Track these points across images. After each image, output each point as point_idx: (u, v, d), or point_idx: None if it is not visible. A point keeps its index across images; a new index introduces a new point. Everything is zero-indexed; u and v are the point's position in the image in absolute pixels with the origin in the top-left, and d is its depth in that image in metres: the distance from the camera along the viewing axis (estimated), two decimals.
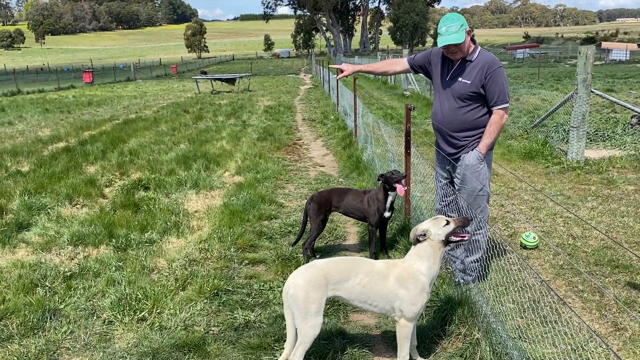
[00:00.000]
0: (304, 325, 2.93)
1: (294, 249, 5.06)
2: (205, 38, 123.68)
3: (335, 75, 4.48)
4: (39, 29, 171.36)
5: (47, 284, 4.42)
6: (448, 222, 3.03)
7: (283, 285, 4.30)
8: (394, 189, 4.64)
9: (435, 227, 3.02)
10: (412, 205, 5.40)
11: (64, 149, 10.58)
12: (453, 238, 3.05)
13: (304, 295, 2.91)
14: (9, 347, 3.54)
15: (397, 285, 3.00)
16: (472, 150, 3.96)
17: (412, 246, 3.11)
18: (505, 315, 3.61)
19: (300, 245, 4.99)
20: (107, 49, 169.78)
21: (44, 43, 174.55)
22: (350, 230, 5.76)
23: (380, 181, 4.73)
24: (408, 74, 21.65)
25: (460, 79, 3.89)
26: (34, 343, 3.57)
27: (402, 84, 22.27)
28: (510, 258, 4.69)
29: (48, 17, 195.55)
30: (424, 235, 3.02)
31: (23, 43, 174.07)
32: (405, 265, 3.04)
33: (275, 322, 3.76)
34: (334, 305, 3.92)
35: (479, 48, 3.90)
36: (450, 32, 3.69)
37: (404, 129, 5.18)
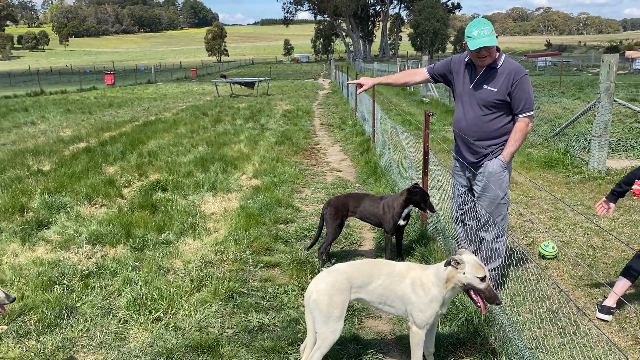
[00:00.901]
0: (325, 329, 2.91)
1: (309, 253, 5.05)
2: (225, 42, 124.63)
3: (355, 91, 4.46)
4: (63, 31, 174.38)
5: (65, 281, 4.48)
6: (484, 280, 2.81)
7: (298, 289, 4.33)
8: (426, 209, 4.67)
9: (472, 270, 2.81)
10: (430, 213, 5.35)
11: (85, 149, 10.73)
12: (472, 295, 2.86)
13: (328, 300, 2.90)
14: (26, 343, 3.59)
15: (410, 289, 2.98)
16: (496, 157, 3.93)
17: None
18: (522, 325, 3.56)
19: (315, 249, 4.98)
20: (128, 52, 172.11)
21: (67, 45, 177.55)
22: (367, 235, 5.74)
23: (410, 191, 4.64)
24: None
25: (485, 86, 3.85)
26: (51, 340, 3.62)
27: (421, 90, 22.19)
28: (529, 267, 4.62)
29: (72, 20, 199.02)
30: (458, 264, 2.84)
31: (47, 45, 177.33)
32: (424, 273, 3.01)
33: (289, 325, 3.75)
34: (349, 311, 3.90)
35: (504, 55, 3.87)
36: (483, 35, 3.66)
37: (422, 135, 5.15)
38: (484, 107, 3.88)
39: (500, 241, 4.02)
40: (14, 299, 2.76)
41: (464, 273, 2.83)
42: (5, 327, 3.80)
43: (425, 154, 5.00)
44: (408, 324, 3.06)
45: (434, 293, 2.92)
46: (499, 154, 3.91)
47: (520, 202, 6.73)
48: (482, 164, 3.99)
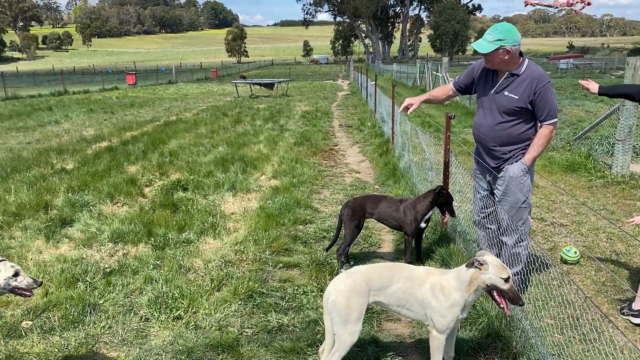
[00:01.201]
0: (343, 331, 2.92)
1: (328, 254, 5.06)
2: (245, 43, 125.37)
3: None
4: (86, 31, 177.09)
5: (87, 279, 4.55)
6: (507, 281, 2.80)
7: (317, 290, 4.34)
8: (450, 213, 4.67)
9: (496, 271, 2.80)
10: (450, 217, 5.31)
11: (107, 149, 10.88)
12: (495, 296, 2.84)
13: (345, 302, 2.90)
14: (50, 338, 3.65)
15: (429, 293, 2.96)
16: (517, 161, 3.90)
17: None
18: (544, 330, 3.52)
19: (334, 250, 4.99)
20: (150, 52, 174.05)
21: (90, 45, 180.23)
22: (385, 237, 5.72)
23: (437, 193, 4.61)
24: (447, 81, 21.45)
25: (506, 93, 3.83)
26: (74, 336, 3.68)
27: None
28: (550, 272, 4.56)
29: (95, 20, 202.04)
30: (481, 265, 2.82)
31: (71, 45, 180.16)
32: (443, 277, 2.99)
33: (308, 326, 3.76)
34: (368, 313, 3.89)
35: (527, 62, 3.82)
36: (484, 38, 3.75)
37: (442, 137, 5.13)
38: (504, 114, 3.86)
39: (521, 246, 3.99)
40: (41, 283, 2.80)
41: (488, 274, 2.81)
42: (30, 322, 3.87)
43: (447, 157, 4.97)
44: (428, 327, 3.05)
45: (455, 297, 2.90)
46: (520, 158, 3.89)
47: (542, 206, 6.65)
48: (503, 167, 3.97)
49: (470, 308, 3.62)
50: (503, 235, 4.06)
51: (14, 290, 2.62)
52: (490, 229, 4.25)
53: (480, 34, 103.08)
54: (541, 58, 69.52)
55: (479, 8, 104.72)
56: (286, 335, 3.68)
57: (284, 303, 4.18)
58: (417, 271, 3.07)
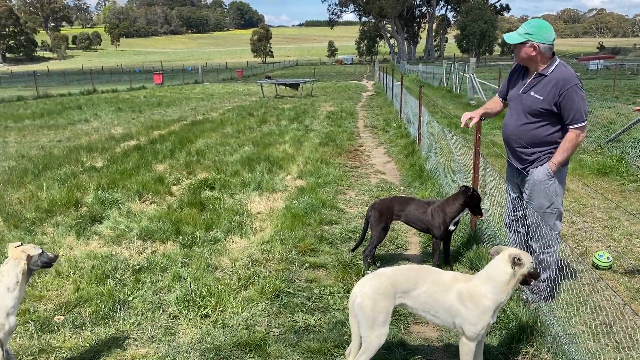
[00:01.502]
0: (369, 334, 2.90)
1: (354, 255, 5.04)
2: (270, 43, 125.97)
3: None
4: (115, 31, 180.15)
5: (117, 275, 4.62)
6: (532, 262, 2.98)
7: (343, 290, 4.33)
8: (479, 213, 4.63)
9: (527, 258, 2.92)
10: (479, 218, 5.24)
11: (135, 147, 11.05)
12: (532, 280, 2.98)
13: (372, 305, 2.88)
14: (82, 333, 3.72)
15: (457, 302, 2.92)
16: (542, 165, 3.81)
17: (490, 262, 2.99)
18: (575, 337, 3.44)
19: (360, 251, 4.97)
20: (176, 52, 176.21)
21: (118, 45, 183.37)
22: (412, 239, 5.68)
23: (469, 195, 4.57)
24: (474, 82, 21.20)
25: (532, 93, 3.77)
26: (105, 332, 3.74)
27: (468, 93, 21.83)
28: (582, 278, 4.47)
29: (123, 21, 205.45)
30: (520, 260, 2.87)
31: (100, 45, 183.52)
32: (471, 284, 2.94)
33: (335, 327, 3.75)
34: (395, 315, 3.86)
35: (557, 62, 3.74)
36: (516, 31, 3.78)
37: (468, 138, 5.07)
38: (529, 115, 3.80)
39: (547, 252, 3.88)
40: (57, 256, 3.24)
41: (525, 267, 2.88)
42: (62, 317, 3.95)
43: (476, 158, 4.91)
44: (457, 333, 3.01)
45: (486, 304, 2.85)
46: (546, 162, 3.79)
47: (572, 210, 6.52)
48: (529, 170, 3.89)
49: (501, 312, 3.57)
50: (531, 239, 3.99)
51: (44, 265, 3.06)
52: (520, 232, 4.18)
53: None
54: (570, 59, 68.22)
55: (506, 8, 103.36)
56: (313, 335, 3.68)
57: (310, 303, 4.18)
58: (443, 276, 3.03)
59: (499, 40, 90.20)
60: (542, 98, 3.70)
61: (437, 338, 3.69)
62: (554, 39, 3.73)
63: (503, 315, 3.59)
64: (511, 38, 3.78)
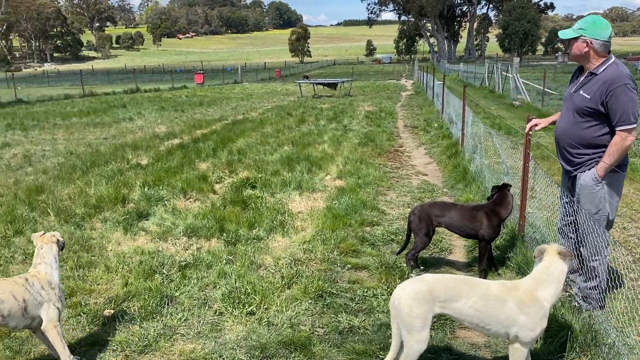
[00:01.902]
0: (409, 338, 2.88)
1: (397, 258, 5.00)
2: (308, 43, 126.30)
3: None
4: (157, 31, 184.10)
5: (164, 271, 4.71)
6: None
7: (387, 293, 4.30)
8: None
9: (567, 251, 2.97)
10: (528, 221, 5.12)
11: (179, 146, 11.26)
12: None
13: (408, 310, 2.86)
14: (131, 327, 3.81)
15: (517, 311, 2.85)
16: (590, 169, 3.68)
17: (536, 266, 2.95)
18: (631, 347, 3.32)
19: (404, 254, 4.92)
20: (216, 52, 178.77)
21: (160, 45, 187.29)
22: (457, 243, 5.59)
23: (508, 190, 4.58)
24: (518, 83, 20.75)
25: (581, 92, 3.68)
26: (153, 326, 3.81)
27: (511, 94, 21.37)
28: (636, 285, 4.31)
29: (165, 21, 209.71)
30: (567, 253, 2.94)
31: (142, 44, 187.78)
32: (528, 289, 2.87)
33: (380, 329, 3.73)
34: (440, 319, 3.82)
35: (611, 61, 3.61)
36: (572, 27, 3.74)
37: (514, 139, 4.95)
38: (577, 114, 3.70)
39: (596, 259, 3.74)
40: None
41: (568, 261, 2.91)
42: (112, 311, 4.05)
43: (526, 161, 4.80)
44: (509, 340, 2.95)
45: (546, 308, 2.82)
46: (594, 166, 3.66)
47: (624, 216, 6.30)
48: (577, 174, 3.77)
49: (553, 321, 3.48)
50: (581, 245, 3.87)
51: (62, 248, 3.47)
52: (572, 238, 4.06)
53: (551, 33, 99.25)
54: (618, 59, 65.71)
55: (551, 7, 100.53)
56: (357, 337, 3.66)
57: (353, 304, 4.17)
58: (491, 288, 2.95)
59: (542, 40, 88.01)
60: (589, 97, 3.60)
61: (484, 344, 3.62)
62: (609, 36, 3.60)
63: (554, 322, 3.49)
64: (565, 33, 3.74)
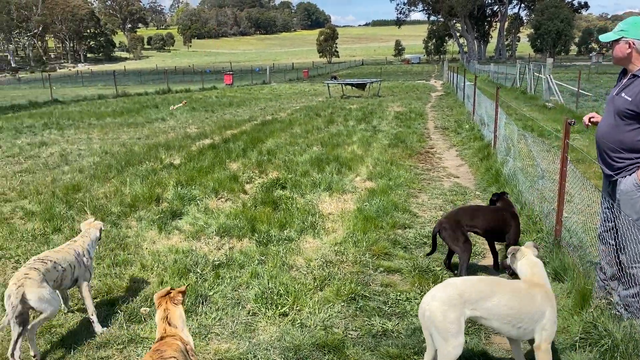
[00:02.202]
0: (446, 346, 2.85)
1: (430, 262, 4.95)
2: (336, 43, 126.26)
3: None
4: (187, 33, 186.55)
5: (198, 270, 4.78)
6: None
7: (420, 297, 4.25)
8: None
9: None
10: (565, 226, 5.02)
11: (210, 146, 11.39)
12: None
13: (442, 317, 2.84)
14: None
15: (546, 304, 2.95)
16: (631, 174, 3.59)
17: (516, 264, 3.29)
18: None
19: (434, 257, 4.90)
20: (245, 53, 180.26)
21: (190, 46, 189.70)
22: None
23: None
24: (551, 84, 20.35)
25: (623, 94, 3.59)
26: (188, 325, 3.84)
27: (543, 95, 20.97)
28: None
29: (195, 22, 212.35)
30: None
31: (173, 45, 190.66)
32: (539, 282, 3.06)
33: (414, 334, 3.71)
34: (474, 325, 3.77)
35: None
36: (613, 30, 3.65)
37: (548, 142, 4.86)
38: (618, 117, 3.60)
39: (636, 266, 3.65)
40: None
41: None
42: (148, 309, 4.12)
43: (564, 165, 4.71)
44: (534, 345, 2.98)
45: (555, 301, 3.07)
46: (634, 171, 3.56)
47: None
48: (618, 179, 3.67)
49: (592, 329, 3.40)
50: (620, 252, 3.78)
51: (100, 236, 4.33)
52: (611, 244, 3.96)
53: (585, 33, 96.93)
54: None
55: (585, 6, 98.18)
56: (391, 341, 3.65)
57: (387, 308, 4.15)
58: (519, 285, 3.05)
59: (576, 40, 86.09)
60: (631, 99, 3.51)
61: None
62: None
63: (594, 330, 3.42)
64: (606, 37, 3.68)
